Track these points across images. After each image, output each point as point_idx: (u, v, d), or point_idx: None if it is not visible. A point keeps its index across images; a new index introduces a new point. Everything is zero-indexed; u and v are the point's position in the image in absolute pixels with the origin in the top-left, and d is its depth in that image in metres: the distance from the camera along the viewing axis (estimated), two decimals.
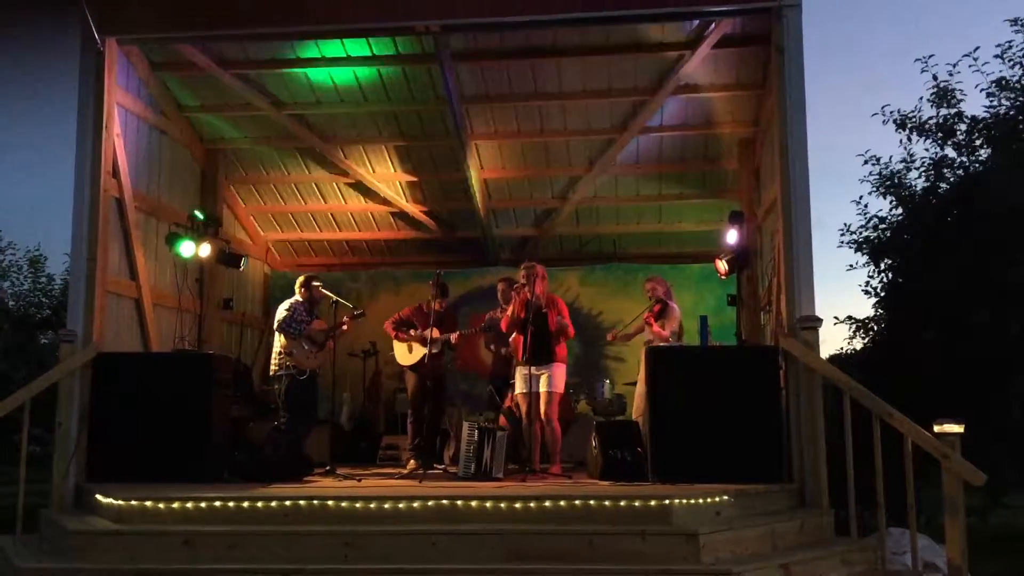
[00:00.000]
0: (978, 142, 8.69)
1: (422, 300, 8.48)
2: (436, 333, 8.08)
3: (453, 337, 8.24)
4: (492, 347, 8.85)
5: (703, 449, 6.38)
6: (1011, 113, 8.50)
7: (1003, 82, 8.58)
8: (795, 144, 6.64)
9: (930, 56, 8.79)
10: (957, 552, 5.31)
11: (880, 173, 9.15)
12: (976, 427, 5.90)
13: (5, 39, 7.87)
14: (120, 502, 5.73)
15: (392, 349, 8.62)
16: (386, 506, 5.51)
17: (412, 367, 8.36)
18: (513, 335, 7.77)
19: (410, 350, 8.37)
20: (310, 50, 8.60)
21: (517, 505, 5.45)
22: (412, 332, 8.35)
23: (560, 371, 7.59)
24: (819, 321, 6.45)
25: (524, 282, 7.59)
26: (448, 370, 8.96)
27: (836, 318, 9.32)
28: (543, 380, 7.49)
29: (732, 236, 7.98)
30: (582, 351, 10.23)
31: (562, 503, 5.44)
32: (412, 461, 8.16)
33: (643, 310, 8.34)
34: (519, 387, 7.68)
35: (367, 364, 10.25)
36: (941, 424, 5.44)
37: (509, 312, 7.81)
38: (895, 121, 9.10)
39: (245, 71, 8.91)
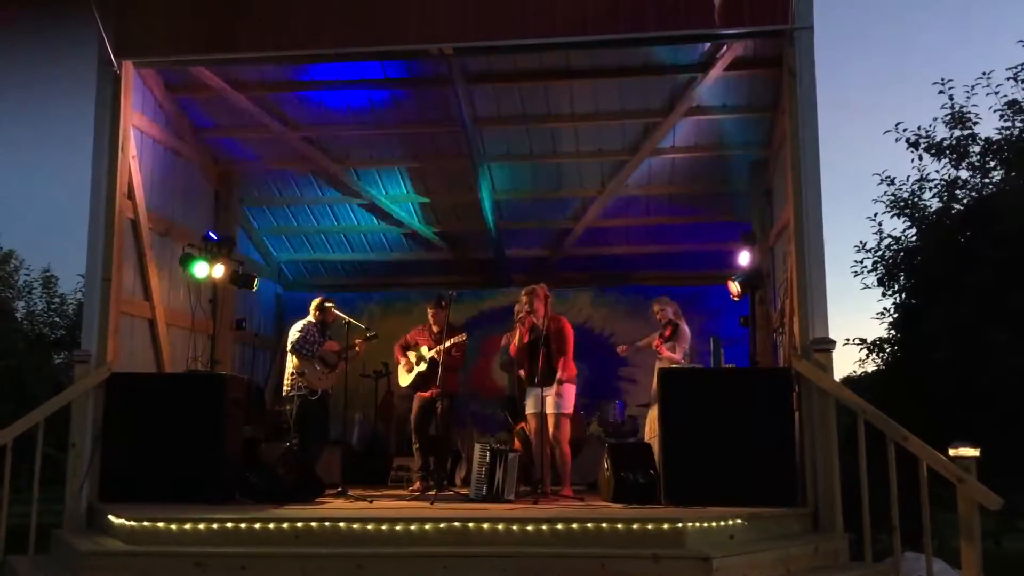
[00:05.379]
0: (992, 164, 8.66)
1: (426, 321, 8.52)
2: (426, 351, 8.21)
3: (433, 352, 8.17)
4: (511, 369, 8.81)
5: (716, 472, 6.34)
6: None
7: (1016, 104, 8.56)
8: (808, 166, 6.64)
9: (948, 80, 8.80)
10: None
11: (894, 195, 9.13)
12: (990, 449, 5.86)
13: (22, 62, 7.96)
14: (132, 523, 5.73)
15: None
16: (397, 528, 5.49)
17: (413, 388, 8.39)
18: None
19: (409, 371, 8.41)
20: (324, 73, 8.66)
21: (529, 527, 5.43)
22: (409, 354, 8.40)
23: (568, 392, 7.58)
24: (832, 343, 6.43)
25: (528, 309, 7.63)
26: (460, 390, 8.92)
27: (847, 339, 9.28)
28: (550, 401, 7.48)
29: (744, 257, 7.96)
30: (594, 372, 10.19)
31: (574, 526, 5.41)
32: (418, 482, 8.16)
33: (654, 334, 8.35)
34: (529, 408, 7.70)
35: (379, 385, 10.25)
36: (957, 447, 5.41)
37: (516, 339, 7.83)
38: (907, 140, 9.09)
39: (259, 94, 8.99)
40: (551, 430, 7.48)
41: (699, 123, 9.19)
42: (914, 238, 8.94)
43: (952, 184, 8.79)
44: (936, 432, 5.92)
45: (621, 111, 9.07)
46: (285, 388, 8.01)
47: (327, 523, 5.57)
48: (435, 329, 8.27)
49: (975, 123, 8.75)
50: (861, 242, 9.27)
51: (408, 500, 7.30)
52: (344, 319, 8.23)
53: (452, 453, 8.92)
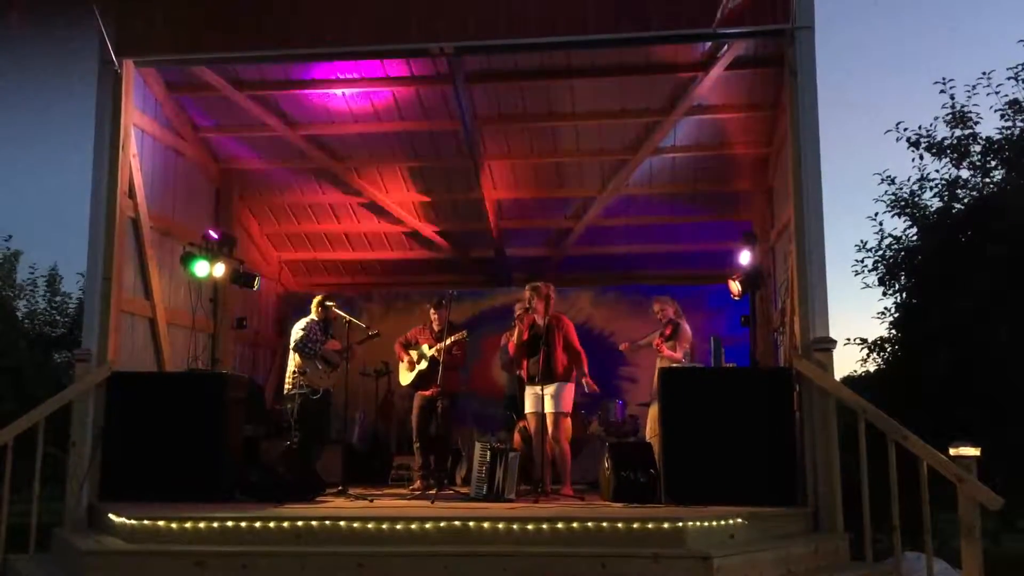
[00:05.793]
0: (992, 163, 8.66)
1: (426, 321, 8.53)
2: (427, 349, 8.24)
3: (433, 350, 8.22)
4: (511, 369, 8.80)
5: (716, 471, 6.35)
6: None
7: (1017, 104, 8.56)
8: (808, 165, 6.64)
9: (950, 80, 8.80)
10: None
11: (895, 194, 9.12)
12: (990, 449, 5.86)
13: (23, 56, 7.96)
14: (132, 521, 5.74)
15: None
16: (398, 527, 5.49)
17: (413, 387, 8.40)
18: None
19: (410, 369, 8.42)
20: (324, 71, 8.66)
21: (529, 527, 5.42)
22: (410, 352, 8.40)
23: (566, 391, 7.57)
24: (833, 343, 6.43)
25: (528, 305, 7.63)
26: (462, 389, 8.93)
27: (848, 339, 9.28)
28: (548, 401, 7.47)
29: (745, 257, 7.95)
30: (594, 372, 10.16)
31: (574, 525, 5.41)
32: (419, 481, 8.16)
33: (655, 333, 8.35)
34: (528, 407, 7.70)
35: (379, 383, 10.26)
36: (957, 447, 5.41)
37: (515, 336, 7.82)
38: (908, 139, 9.08)
39: (260, 92, 8.99)
40: (551, 429, 7.48)
41: (700, 122, 9.19)
42: (915, 238, 8.93)
43: (953, 184, 8.78)
44: (937, 431, 5.92)
45: (622, 110, 9.07)
46: (287, 387, 8.02)
47: (327, 522, 5.57)
48: (436, 328, 8.28)
49: (976, 123, 8.74)
50: (862, 241, 9.27)
51: (408, 499, 7.31)
52: (345, 318, 8.23)
53: (452, 452, 8.93)
